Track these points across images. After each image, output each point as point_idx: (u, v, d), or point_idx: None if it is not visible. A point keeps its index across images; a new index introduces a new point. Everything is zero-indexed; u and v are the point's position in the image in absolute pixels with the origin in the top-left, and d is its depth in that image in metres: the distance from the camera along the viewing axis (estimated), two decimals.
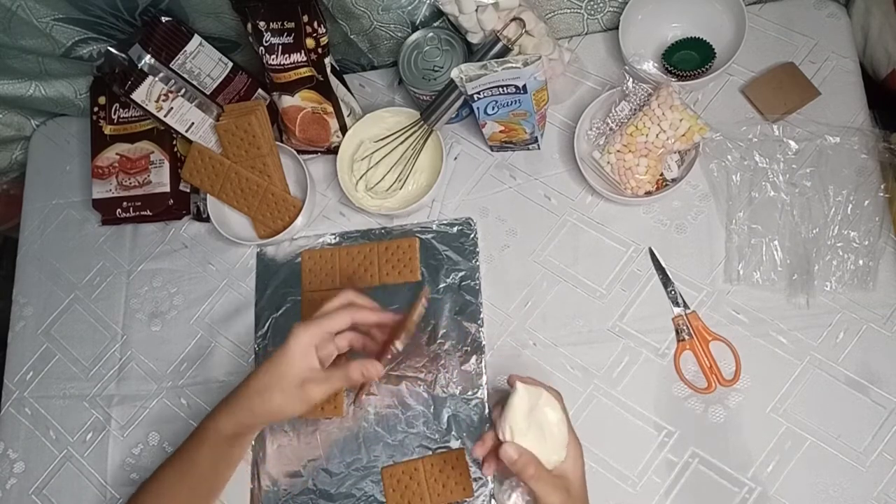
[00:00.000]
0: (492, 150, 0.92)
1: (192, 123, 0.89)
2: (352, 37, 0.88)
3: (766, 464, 0.74)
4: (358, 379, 0.68)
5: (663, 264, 0.82)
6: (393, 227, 0.92)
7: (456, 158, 0.92)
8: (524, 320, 0.85)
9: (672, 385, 0.79)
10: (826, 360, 0.76)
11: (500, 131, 0.85)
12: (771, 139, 0.82)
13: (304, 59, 0.83)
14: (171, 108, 0.86)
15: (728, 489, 0.75)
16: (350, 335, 0.72)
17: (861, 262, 0.76)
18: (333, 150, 0.92)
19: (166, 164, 0.95)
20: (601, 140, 0.84)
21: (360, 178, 0.89)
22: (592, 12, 0.87)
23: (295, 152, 0.92)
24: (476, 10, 0.79)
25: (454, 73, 0.78)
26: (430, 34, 0.86)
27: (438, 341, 0.85)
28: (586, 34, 0.92)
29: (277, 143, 0.92)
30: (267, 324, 0.91)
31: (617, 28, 0.84)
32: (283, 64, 0.84)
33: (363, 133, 0.91)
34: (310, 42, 0.82)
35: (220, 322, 0.93)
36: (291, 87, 0.86)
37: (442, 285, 0.87)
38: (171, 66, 0.85)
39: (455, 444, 0.82)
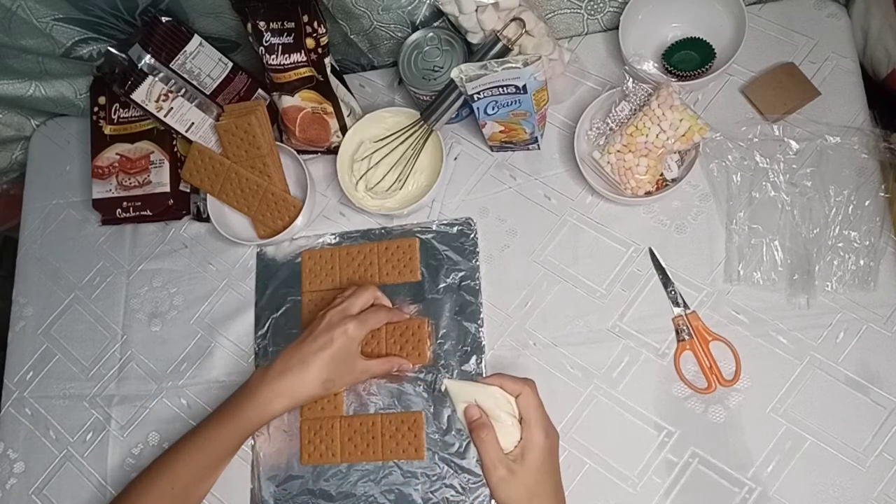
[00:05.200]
0: (492, 150, 0.92)
1: (192, 123, 0.89)
2: (352, 37, 0.88)
3: (766, 464, 0.74)
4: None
5: (663, 264, 0.82)
6: (393, 227, 0.92)
7: (456, 158, 0.92)
8: (524, 320, 0.85)
9: (672, 385, 0.79)
10: (826, 360, 0.76)
11: (500, 131, 0.85)
12: (771, 139, 0.82)
13: (304, 59, 0.83)
14: (171, 108, 0.86)
15: (728, 489, 0.75)
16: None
17: (862, 262, 0.76)
18: (333, 150, 0.92)
19: (166, 164, 0.95)
20: (601, 140, 0.84)
21: (360, 178, 0.89)
22: (592, 12, 0.87)
23: (295, 152, 0.92)
24: (476, 10, 0.79)
25: (454, 73, 0.78)
26: (430, 34, 0.86)
27: (438, 341, 0.85)
28: (586, 34, 0.92)
29: (277, 143, 0.92)
30: (267, 324, 0.91)
31: (617, 28, 0.84)
32: (283, 64, 0.84)
33: (363, 133, 0.91)
34: (310, 42, 0.82)
35: (220, 322, 0.93)
36: (291, 87, 0.86)
37: (442, 285, 0.87)
38: (171, 66, 0.85)
39: (455, 443, 0.82)
